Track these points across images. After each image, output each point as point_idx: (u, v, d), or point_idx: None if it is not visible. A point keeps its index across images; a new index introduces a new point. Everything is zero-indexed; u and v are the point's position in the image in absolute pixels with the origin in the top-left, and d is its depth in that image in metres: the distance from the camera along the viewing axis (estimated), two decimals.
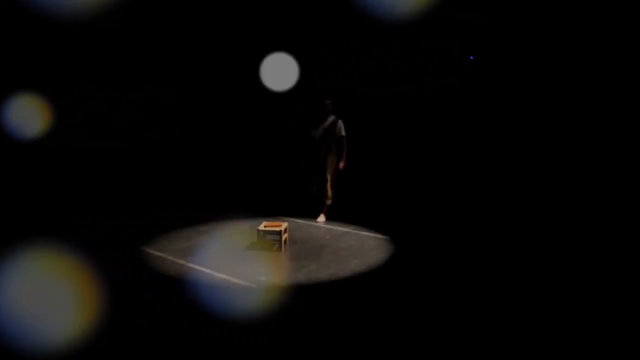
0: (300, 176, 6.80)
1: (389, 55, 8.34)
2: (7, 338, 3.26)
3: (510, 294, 4.13)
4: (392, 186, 7.77)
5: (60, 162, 7.84)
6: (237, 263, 4.87)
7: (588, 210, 6.36)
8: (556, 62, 7.30)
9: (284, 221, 5.77)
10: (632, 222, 5.84)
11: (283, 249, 5.33)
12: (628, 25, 6.77)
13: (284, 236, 5.42)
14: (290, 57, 8.23)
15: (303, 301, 4.04)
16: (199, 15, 8.26)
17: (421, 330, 3.53)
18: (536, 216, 6.36)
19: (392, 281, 4.52)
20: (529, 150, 7.45)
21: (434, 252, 5.25)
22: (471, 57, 7.97)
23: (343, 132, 6.50)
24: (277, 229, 5.34)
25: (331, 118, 6.55)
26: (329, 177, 6.52)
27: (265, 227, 5.38)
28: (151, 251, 5.31)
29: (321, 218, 6.62)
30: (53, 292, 3.90)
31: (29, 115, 7.56)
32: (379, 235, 5.84)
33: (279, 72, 8.29)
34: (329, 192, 6.56)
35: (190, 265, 4.86)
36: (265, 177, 8.15)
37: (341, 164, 6.50)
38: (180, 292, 4.18)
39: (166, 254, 5.22)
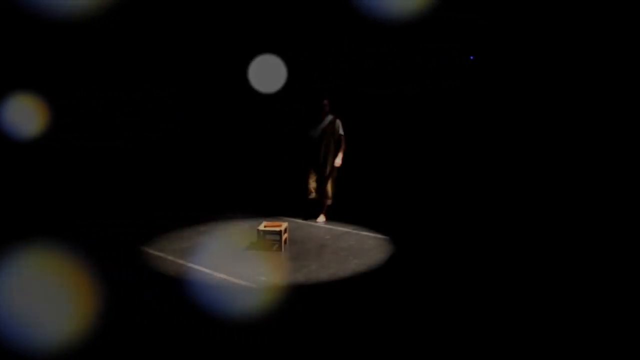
0: (300, 176, 6.79)
1: (389, 56, 8.35)
2: (7, 338, 3.25)
3: (510, 293, 4.13)
4: (392, 186, 7.77)
5: (59, 161, 7.82)
6: (237, 263, 4.87)
7: (588, 210, 6.36)
8: (556, 62, 7.32)
9: (284, 221, 5.77)
10: (632, 221, 5.85)
11: (283, 249, 5.33)
12: (628, 25, 6.78)
13: (284, 236, 5.41)
14: (278, 59, 8.22)
15: (303, 301, 4.04)
16: (199, 15, 8.25)
17: (421, 330, 3.53)
18: (536, 216, 6.37)
19: (392, 281, 4.52)
20: (528, 150, 7.46)
21: (434, 252, 5.25)
22: (471, 57, 7.97)
23: (341, 132, 6.50)
24: (277, 229, 5.34)
25: (329, 118, 6.55)
26: (328, 177, 6.52)
27: (265, 227, 5.38)
28: (151, 251, 5.30)
29: (321, 218, 6.62)
30: (53, 292, 3.90)
31: (28, 115, 7.55)
32: (379, 235, 5.84)
33: (269, 73, 8.28)
34: (329, 192, 6.57)
35: (190, 265, 4.86)
36: (265, 177, 8.14)
37: (337, 162, 6.48)
38: (180, 292, 4.17)
39: (166, 254, 5.22)
